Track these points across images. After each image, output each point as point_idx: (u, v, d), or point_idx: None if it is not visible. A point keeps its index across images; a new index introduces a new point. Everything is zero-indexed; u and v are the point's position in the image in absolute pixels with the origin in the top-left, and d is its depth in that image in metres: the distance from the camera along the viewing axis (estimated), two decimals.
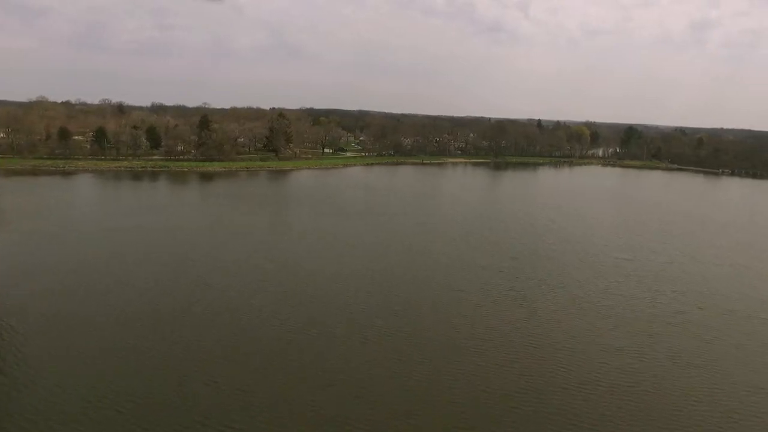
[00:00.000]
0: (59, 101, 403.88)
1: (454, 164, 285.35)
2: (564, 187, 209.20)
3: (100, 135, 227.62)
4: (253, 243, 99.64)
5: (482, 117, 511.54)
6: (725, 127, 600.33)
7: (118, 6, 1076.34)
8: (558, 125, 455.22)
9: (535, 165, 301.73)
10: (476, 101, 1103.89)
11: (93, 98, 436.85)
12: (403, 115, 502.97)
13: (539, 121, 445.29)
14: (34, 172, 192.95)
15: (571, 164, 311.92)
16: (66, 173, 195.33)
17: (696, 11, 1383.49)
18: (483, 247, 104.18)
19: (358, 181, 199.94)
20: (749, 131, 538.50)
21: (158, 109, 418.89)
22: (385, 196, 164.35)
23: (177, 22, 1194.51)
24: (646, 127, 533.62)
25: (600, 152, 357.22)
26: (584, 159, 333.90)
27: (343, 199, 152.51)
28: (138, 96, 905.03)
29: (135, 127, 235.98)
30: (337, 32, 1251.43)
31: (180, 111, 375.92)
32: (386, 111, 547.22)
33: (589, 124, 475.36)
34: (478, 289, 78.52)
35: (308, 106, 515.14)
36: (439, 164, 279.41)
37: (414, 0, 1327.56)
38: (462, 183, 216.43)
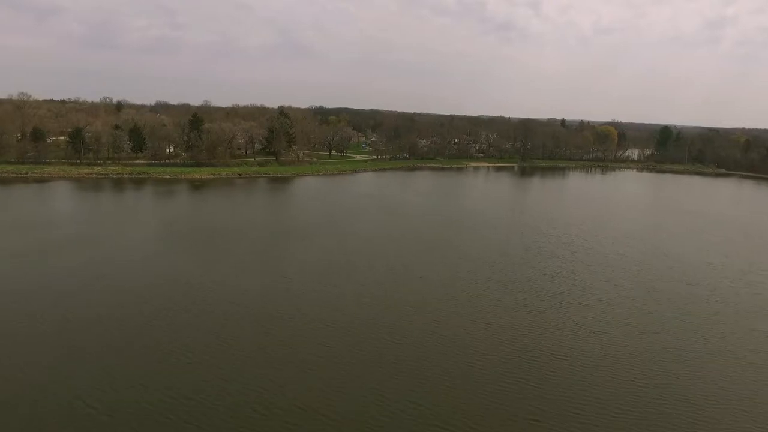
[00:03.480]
0: (58, 99, 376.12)
1: (476, 168, 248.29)
2: (615, 201, 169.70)
3: (75, 136, 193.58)
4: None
5: (496, 116, 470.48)
6: (746, 126, 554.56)
7: (127, 5, 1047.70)
8: (582, 125, 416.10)
9: (565, 169, 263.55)
10: (486, 100, 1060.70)
11: (96, 96, 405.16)
12: (416, 114, 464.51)
13: (563, 120, 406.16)
14: None
15: (604, 168, 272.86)
16: (25, 181, 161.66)
17: (709, 9, 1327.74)
18: (546, 313, 67.92)
19: (370, 194, 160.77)
20: None
21: (161, 108, 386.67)
22: (406, 220, 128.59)
23: (187, 20, 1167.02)
24: (658, 126, 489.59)
25: (635, 155, 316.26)
26: (620, 162, 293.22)
27: (350, 232, 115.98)
28: (145, 94, 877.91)
29: (116, 127, 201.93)
30: (346, 31, 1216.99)
31: (183, 110, 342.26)
32: (398, 110, 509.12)
33: (615, 124, 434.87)
34: (561, 416, 42.72)
35: (318, 105, 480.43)
36: (458, 168, 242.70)
37: None
38: (494, 195, 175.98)
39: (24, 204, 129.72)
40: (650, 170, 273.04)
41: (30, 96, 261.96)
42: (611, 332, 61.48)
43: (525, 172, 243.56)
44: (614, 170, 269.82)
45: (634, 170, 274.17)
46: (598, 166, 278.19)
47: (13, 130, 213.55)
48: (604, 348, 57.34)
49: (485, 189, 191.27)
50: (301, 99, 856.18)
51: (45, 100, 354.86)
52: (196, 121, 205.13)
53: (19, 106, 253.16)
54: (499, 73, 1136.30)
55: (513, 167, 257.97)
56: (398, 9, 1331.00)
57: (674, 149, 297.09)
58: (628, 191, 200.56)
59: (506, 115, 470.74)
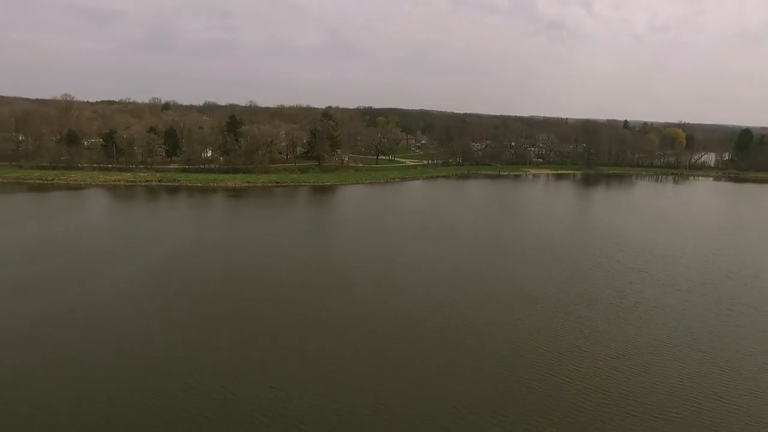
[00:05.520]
0: (109, 101, 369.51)
1: (535, 176, 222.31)
2: (709, 219, 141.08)
3: (108, 140, 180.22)
4: None
5: (551, 117, 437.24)
6: None
7: (184, 9, 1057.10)
8: (645, 126, 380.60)
9: (633, 177, 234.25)
10: (538, 100, 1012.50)
11: (147, 97, 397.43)
12: (466, 115, 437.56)
13: (626, 122, 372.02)
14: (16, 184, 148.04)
15: (677, 176, 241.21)
16: (48, 188, 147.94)
17: None
18: (683, 423, 45.02)
19: (420, 211, 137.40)
20: None
21: (208, 108, 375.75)
22: (460, 250, 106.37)
23: (240, 23, 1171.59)
24: (724, 126, 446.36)
25: (712, 161, 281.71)
26: (695, 170, 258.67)
27: (390, 278, 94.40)
28: (195, 95, 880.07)
29: (151, 130, 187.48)
30: (396, 31, 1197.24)
31: (229, 110, 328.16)
32: (448, 111, 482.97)
33: (682, 125, 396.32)
34: None
35: (366, 105, 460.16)
36: (516, 176, 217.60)
37: None
38: (563, 211, 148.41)
39: (25, 220, 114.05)
40: (729, 178, 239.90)
41: (73, 97, 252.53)
42: None
43: (590, 181, 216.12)
44: (688, 178, 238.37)
45: (710, 178, 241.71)
46: (672, 173, 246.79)
47: (50, 132, 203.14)
48: None
49: (550, 203, 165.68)
50: (349, 99, 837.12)
51: (97, 102, 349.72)
52: (233, 123, 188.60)
53: (64, 108, 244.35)
54: (550, 72, 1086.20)
55: (575, 175, 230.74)
56: (448, 8, 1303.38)
57: (757, 154, 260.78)
58: (718, 206, 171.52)
59: (559, 116, 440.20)
